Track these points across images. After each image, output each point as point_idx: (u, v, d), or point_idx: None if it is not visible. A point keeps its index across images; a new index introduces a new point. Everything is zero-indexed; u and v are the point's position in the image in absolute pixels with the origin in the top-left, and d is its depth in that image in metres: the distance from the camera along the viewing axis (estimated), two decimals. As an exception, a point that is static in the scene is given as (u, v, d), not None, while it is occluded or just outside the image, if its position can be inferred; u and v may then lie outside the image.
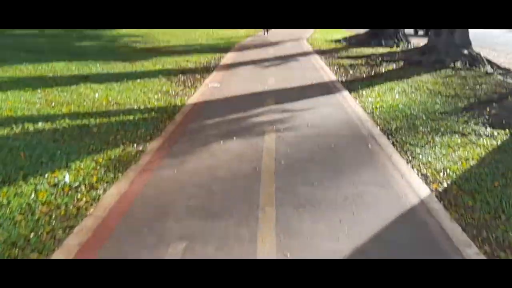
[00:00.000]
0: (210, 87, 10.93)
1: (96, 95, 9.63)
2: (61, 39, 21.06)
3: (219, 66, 14.46)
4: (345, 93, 10.23)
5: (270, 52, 18.47)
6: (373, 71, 13.27)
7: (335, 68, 13.90)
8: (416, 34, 32.83)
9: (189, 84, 11.30)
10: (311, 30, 32.67)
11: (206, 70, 13.60)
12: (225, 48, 19.63)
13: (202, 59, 15.85)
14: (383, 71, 13.33)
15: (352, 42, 21.29)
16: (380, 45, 19.81)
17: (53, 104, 8.70)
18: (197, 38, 23.95)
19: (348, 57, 16.14)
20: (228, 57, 16.65)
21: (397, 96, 9.82)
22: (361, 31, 30.73)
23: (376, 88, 10.67)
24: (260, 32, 27.88)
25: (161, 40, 22.75)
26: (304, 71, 13.33)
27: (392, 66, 14.02)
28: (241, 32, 28.70)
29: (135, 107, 8.86)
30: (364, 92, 10.24)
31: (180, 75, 12.47)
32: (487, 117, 8.22)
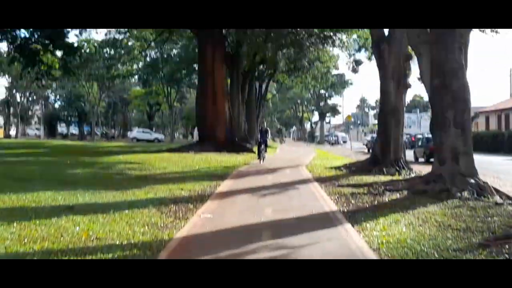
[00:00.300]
0: (203, 218, 10.17)
1: (77, 228, 8.84)
2: (54, 166, 20.63)
3: (215, 194, 13.81)
4: (348, 226, 9.44)
5: (269, 179, 17.93)
6: (376, 201, 12.58)
7: (336, 197, 13.22)
8: (416, 161, 32.66)
9: (181, 215, 10.54)
10: (310, 156, 32.49)
11: (201, 199, 12.91)
12: (222, 175, 19.13)
13: (198, 187, 15.24)
14: (387, 200, 12.65)
15: (352, 169, 20.82)
16: (381, 173, 19.29)
17: (25, 240, 7.89)
18: (194, 165, 23.55)
19: (349, 185, 15.54)
20: (225, 185, 16.06)
21: (404, 230, 9.03)
22: (362, 158, 30.47)
23: (381, 220, 9.90)
24: (256, 160, 27.55)
25: (158, 166, 22.33)
26: (304, 200, 12.66)
27: (396, 195, 13.36)
28: (240, 158, 28.44)
29: (117, 242, 8.04)
30: (368, 225, 9.46)
31: (172, 205, 11.75)
32: (506, 255, 7.38)
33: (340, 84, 76.92)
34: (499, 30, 18.89)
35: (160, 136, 75.11)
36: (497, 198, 12.50)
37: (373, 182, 15.80)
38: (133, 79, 74.72)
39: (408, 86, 21.43)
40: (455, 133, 13.85)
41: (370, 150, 49.27)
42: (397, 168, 19.99)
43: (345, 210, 11.27)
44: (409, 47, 21.01)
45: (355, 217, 10.31)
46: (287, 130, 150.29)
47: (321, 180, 17.46)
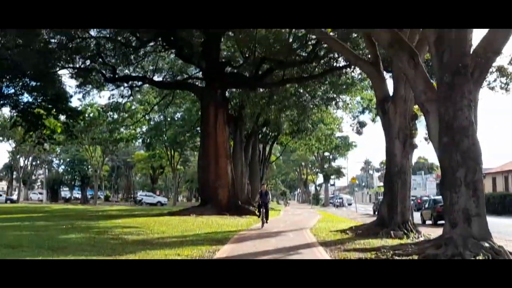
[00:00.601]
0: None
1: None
2: (48, 231, 19.83)
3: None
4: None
5: (272, 243, 17.08)
6: (385, 267, 11.75)
7: (342, 263, 12.40)
8: (424, 223, 31.72)
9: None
10: (315, 219, 31.63)
11: (197, 266, 12.10)
12: (223, 239, 18.30)
13: (196, 252, 14.42)
14: (397, 266, 11.83)
15: (358, 232, 19.95)
16: (389, 236, 18.43)
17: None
18: (194, 228, 22.73)
19: (355, 250, 14.67)
20: (225, 250, 15.23)
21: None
22: (368, 220, 29.59)
23: (391, 289, 9.09)
24: (259, 223, 26.72)
25: (157, 231, 21.52)
26: (307, 266, 11.84)
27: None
28: (242, 221, 27.58)
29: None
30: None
31: (166, 273, 10.97)
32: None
33: (344, 146, 76.49)
34: (509, 89, 18.53)
35: (163, 199, 74.35)
36: (515, 263, 11.65)
37: (380, 246, 14.94)
38: (137, 143, 74.67)
39: (415, 146, 20.85)
40: (467, 193, 13.10)
41: (376, 213, 48.60)
42: (405, 231, 19.12)
43: (352, 278, 10.45)
44: (415, 106, 20.63)
45: None
46: (291, 193, 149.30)
47: (326, 244, 16.61)
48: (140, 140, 68.75)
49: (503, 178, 49.72)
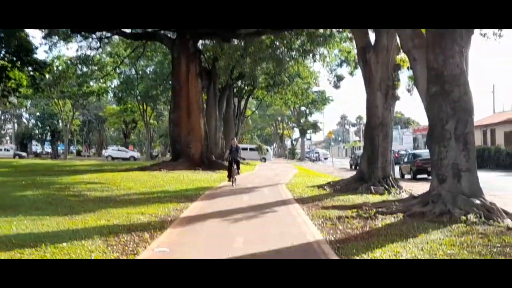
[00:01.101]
0: (156, 252, 8.18)
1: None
2: (3, 188, 18.44)
3: (179, 220, 11.81)
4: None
5: (244, 200, 15.99)
6: (367, 226, 10.67)
7: (321, 222, 11.30)
8: (402, 177, 30.90)
9: (130, 249, 8.53)
10: (291, 174, 30.63)
11: (161, 226, 10.90)
12: (193, 196, 17.18)
13: (161, 211, 13.24)
14: (381, 225, 10.76)
15: (337, 188, 18.94)
16: (369, 191, 17.46)
17: None
18: (164, 184, 21.55)
19: (335, 207, 13.59)
20: (193, 208, 14.07)
21: (409, 267, 7.14)
22: (345, 174, 28.71)
23: (378, 253, 7.99)
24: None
25: (123, 186, 20.29)
26: (283, 226, 10.71)
27: (390, 219, 11.46)
28: (215, 177, 26.45)
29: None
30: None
31: (124, 235, 9.75)
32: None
33: (321, 100, 75.30)
34: (502, 33, 17.35)
35: (136, 154, 72.86)
36: (509, 222, 10.68)
37: (362, 203, 13.87)
38: (109, 97, 72.51)
39: (397, 98, 19.71)
40: (456, 147, 12.04)
41: (353, 167, 47.94)
42: (386, 186, 18.17)
43: (332, 239, 9.34)
44: (398, 56, 19.40)
45: (345, 249, 8.39)
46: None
47: (303, 200, 15.55)
48: (112, 94, 66.63)
49: (481, 132, 49.23)
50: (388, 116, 19.33)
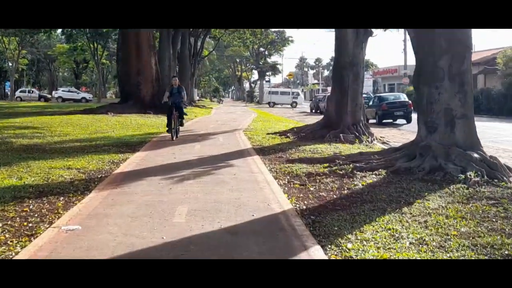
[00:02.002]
0: (64, 233, 5.85)
1: None
2: None
3: (110, 177, 9.48)
4: (317, 249, 5.32)
5: (195, 150, 13.71)
6: (345, 188, 8.55)
7: (287, 181, 9.14)
8: (367, 122, 29.01)
9: (28, 226, 6.18)
10: (250, 118, 28.40)
11: (85, 186, 8.57)
12: (138, 144, 14.89)
13: (93, 164, 10.89)
14: (361, 186, 8.66)
15: (301, 135, 16.77)
16: (337, 139, 15.40)
17: None
18: (107, 129, 19.10)
19: (302, 160, 11.40)
20: (132, 160, 11.72)
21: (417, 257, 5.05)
22: (306, 119, 26.61)
23: (368, 232, 5.86)
24: (188, 122, 23.21)
25: (59, 132, 17.77)
26: (240, 188, 8.44)
27: (371, 177, 9.37)
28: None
29: None
30: (349, 244, 5.41)
31: (32, 201, 7.40)
32: None
33: (280, 41, 72.57)
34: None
35: (88, 95, 69.17)
36: (517, 181, 8.73)
37: (334, 156, 11.72)
38: (57, 34, 67.92)
39: (370, 33, 17.40)
40: (451, 88, 9.92)
41: (314, 111, 46.05)
42: (357, 134, 16.12)
43: (304, 208, 7.17)
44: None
45: (324, 225, 6.23)
46: (225, 90, 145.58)
47: (264, 151, 13.35)
48: (59, 31, 62.20)
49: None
50: (360, 54, 17.09)
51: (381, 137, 17.59)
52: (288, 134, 17.15)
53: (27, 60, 73.01)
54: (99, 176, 9.69)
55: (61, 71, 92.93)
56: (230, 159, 11.81)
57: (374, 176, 9.49)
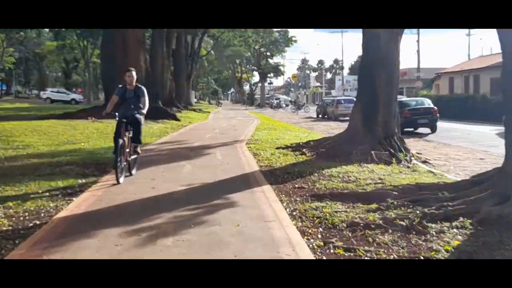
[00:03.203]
0: None
1: None
2: None
3: (42, 231, 6.06)
4: None
5: (184, 173, 10.27)
6: (421, 258, 5.11)
7: (322, 243, 5.66)
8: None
9: None
10: (252, 125, 24.93)
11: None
12: (109, 162, 11.43)
13: (32, 201, 7.46)
14: (445, 254, 5.22)
15: (321, 151, 13.25)
16: (369, 159, 11.95)
17: None
18: (81, 139, 15.83)
19: (334, 196, 7.88)
20: (92, 193, 8.25)
21: None
22: (320, 128, 23.31)
23: None
24: (181, 130, 19.80)
25: (19, 143, 14.40)
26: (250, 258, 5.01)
27: (454, 233, 5.90)
28: (155, 129, 20.55)
29: None
30: None
31: None
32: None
33: (283, 41, 69.07)
34: None
35: (78, 96, 65.53)
36: None
37: (380, 191, 8.19)
38: (46, 30, 64.31)
39: (406, 23, 13.86)
40: None
41: (321, 116, 42.47)
42: (391, 150, 12.67)
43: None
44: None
45: None
46: (224, 92, 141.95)
47: (276, 176, 9.86)
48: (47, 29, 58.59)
49: (463, 78, 44.19)
50: (394, 50, 13.64)
51: (417, 153, 14.17)
52: (304, 150, 13.63)
53: (14, 59, 69.35)
54: (29, 225, 6.29)
55: (52, 71, 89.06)
56: (231, 192, 8.30)
57: (455, 230, 6.03)
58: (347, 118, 38.53)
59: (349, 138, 13.76)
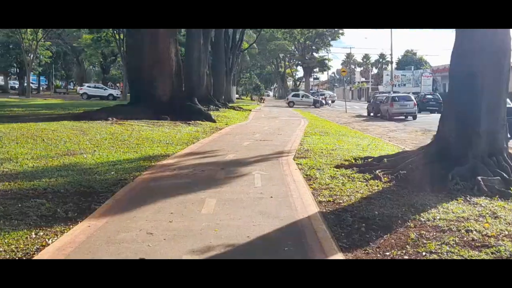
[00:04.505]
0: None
1: None
2: None
3: None
4: None
5: (203, 217, 6.64)
6: None
7: None
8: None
9: None
10: (299, 128, 21.26)
11: None
12: (111, 186, 8.38)
13: None
14: None
15: (400, 175, 9.35)
16: (474, 187, 8.19)
17: None
18: (87, 148, 12.49)
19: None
20: (44, 256, 4.73)
21: None
22: (377, 130, 19.61)
23: None
24: (215, 134, 16.33)
25: (2, 156, 11.11)
26: None
27: None
28: (183, 133, 17.13)
29: None
30: None
31: None
32: None
33: (329, 34, 64.91)
34: None
35: (115, 92, 63.02)
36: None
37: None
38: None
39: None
40: None
41: (372, 115, 38.36)
42: (503, 174, 8.82)
43: None
44: None
45: None
46: (267, 88, 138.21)
47: (348, 231, 6.11)
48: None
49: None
50: (506, 35, 9.71)
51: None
52: (377, 171, 9.78)
53: (51, 53, 67.01)
54: None
55: (89, 65, 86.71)
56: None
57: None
58: (402, 117, 34.89)
59: (438, 154, 9.89)
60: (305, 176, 9.57)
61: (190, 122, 20.46)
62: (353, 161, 11.07)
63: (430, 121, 32.12)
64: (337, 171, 10.01)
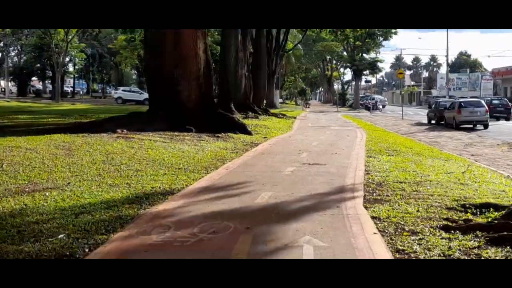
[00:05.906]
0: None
1: None
2: None
3: None
4: None
5: None
6: None
7: None
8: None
9: None
10: (356, 143, 16.90)
11: None
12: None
13: None
14: None
15: None
16: None
17: None
18: (68, 175, 8.53)
19: None
20: None
21: None
22: (450, 144, 15.36)
23: None
24: (249, 153, 12.21)
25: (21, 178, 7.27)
26: None
27: None
28: (208, 151, 13.03)
29: None
30: None
31: None
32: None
33: (381, 34, 60.06)
34: None
35: (152, 96, 59.76)
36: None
37: None
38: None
39: None
40: None
41: (435, 122, 34.09)
42: None
43: None
44: None
45: None
46: (313, 92, 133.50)
47: None
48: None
49: None
50: None
51: None
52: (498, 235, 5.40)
53: (86, 55, 64.48)
54: None
55: (126, 67, 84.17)
56: None
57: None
58: (470, 126, 30.26)
59: None
60: (395, 252, 5.26)
61: (219, 135, 16.33)
62: (469, 215, 6.67)
63: (506, 130, 27.59)
64: (450, 240, 5.64)
